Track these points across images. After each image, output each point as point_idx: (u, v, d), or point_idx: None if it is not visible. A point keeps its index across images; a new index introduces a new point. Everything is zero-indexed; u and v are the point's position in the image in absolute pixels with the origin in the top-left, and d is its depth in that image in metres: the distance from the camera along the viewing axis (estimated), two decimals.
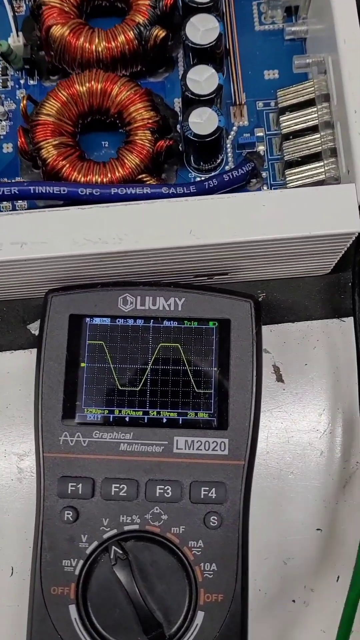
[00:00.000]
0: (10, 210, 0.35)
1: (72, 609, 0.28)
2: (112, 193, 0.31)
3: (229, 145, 0.36)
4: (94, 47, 0.34)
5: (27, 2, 0.38)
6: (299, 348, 0.35)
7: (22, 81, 0.38)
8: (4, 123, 0.37)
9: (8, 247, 0.28)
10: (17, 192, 0.31)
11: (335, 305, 0.36)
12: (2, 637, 0.33)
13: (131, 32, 0.34)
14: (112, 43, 0.34)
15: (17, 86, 0.38)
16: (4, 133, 0.37)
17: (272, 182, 0.35)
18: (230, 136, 0.36)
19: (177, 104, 0.37)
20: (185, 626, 0.28)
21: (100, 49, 0.34)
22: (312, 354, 0.35)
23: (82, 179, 0.32)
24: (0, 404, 0.35)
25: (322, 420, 0.35)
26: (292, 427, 0.35)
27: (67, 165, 0.33)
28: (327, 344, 0.35)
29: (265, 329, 0.34)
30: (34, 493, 0.30)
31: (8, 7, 0.36)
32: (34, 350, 0.35)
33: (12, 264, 0.29)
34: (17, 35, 0.36)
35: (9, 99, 0.37)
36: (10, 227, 0.29)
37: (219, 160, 0.35)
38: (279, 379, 0.35)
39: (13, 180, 0.36)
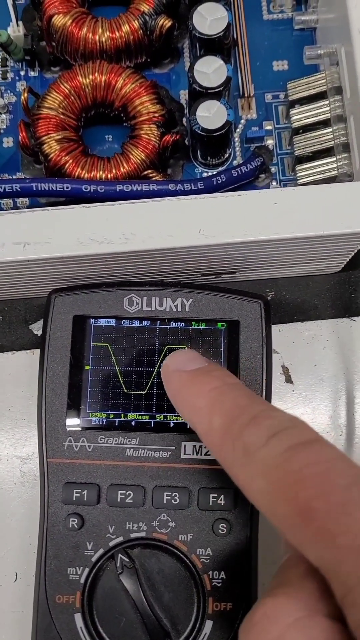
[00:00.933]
0: (11, 208, 0.34)
1: (78, 617, 0.28)
2: (118, 190, 0.30)
3: (236, 139, 0.35)
4: (97, 37, 0.33)
5: None
6: (309, 348, 0.35)
7: (22, 73, 0.36)
8: (4, 116, 0.36)
9: (10, 247, 0.27)
10: (19, 190, 0.30)
11: (345, 304, 0.35)
12: None
13: (136, 21, 0.33)
14: (116, 33, 0.33)
15: (17, 78, 0.36)
16: (4, 127, 0.36)
17: (281, 178, 0.34)
18: (238, 129, 0.35)
19: (183, 96, 0.36)
20: (194, 636, 0.27)
21: (103, 40, 0.33)
22: (321, 354, 0.35)
23: (86, 175, 0.31)
24: (2, 406, 0.34)
25: (333, 423, 0.34)
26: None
27: (71, 161, 0.32)
28: (337, 344, 0.35)
29: (273, 328, 0.33)
30: (37, 497, 0.29)
31: None
32: (36, 351, 0.34)
33: (15, 264, 0.28)
34: (17, 25, 0.35)
35: (9, 91, 0.36)
36: (13, 227, 0.28)
37: (226, 155, 0.34)
38: (288, 379, 0.34)
39: (14, 177, 0.35)
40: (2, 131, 0.36)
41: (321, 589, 0.18)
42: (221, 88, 0.31)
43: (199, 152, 0.34)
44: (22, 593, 0.33)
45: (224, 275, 0.33)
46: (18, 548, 0.33)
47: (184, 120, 0.34)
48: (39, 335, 0.35)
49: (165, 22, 0.33)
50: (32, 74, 0.36)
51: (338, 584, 0.17)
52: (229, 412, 0.22)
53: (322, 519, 0.17)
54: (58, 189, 0.30)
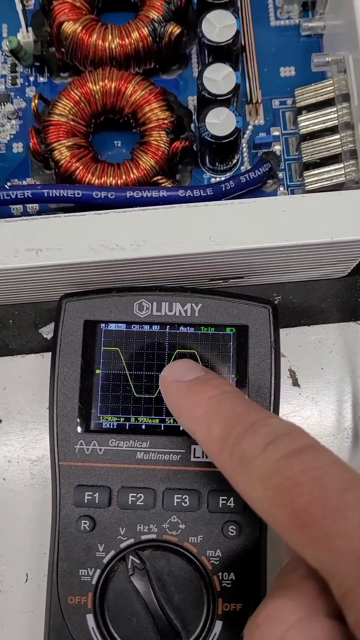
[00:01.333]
0: (21, 213, 0.35)
1: (90, 618, 0.28)
2: (128, 196, 0.30)
3: (244, 144, 0.35)
4: (107, 44, 0.33)
5: None
6: (315, 352, 0.35)
7: (31, 78, 0.37)
8: (13, 122, 0.36)
9: (23, 253, 0.28)
10: (30, 196, 0.30)
11: (352, 308, 0.35)
12: None
13: (145, 28, 0.33)
14: (126, 40, 0.33)
15: (26, 83, 0.37)
16: (14, 132, 0.36)
17: (289, 183, 0.35)
18: (245, 135, 0.35)
19: (191, 102, 0.36)
20: (204, 636, 0.28)
21: (113, 46, 0.33)
22: (328, 357, 0.35)
23: (97, 181, 0.32)
24: (13, 409, 0.35)
25: (339, 426, 0.34)
26: (308, 433, 0.34)
27: (81, 167, 0.32)
28: (343, 348, 0.35)
29: (281, 332, 0.34)
30: (47, 499, 0.29)
31: (17, 1, 0.35)
32: (46, 354, 0.35)
33: (27, 270, 0.28)
34: (27, 31, 0.35)
35: (18, 97, 0.36)
36: (26, 233, 0.28)
37: (234, 161, 0.34)
38: (295, 383, 0.35)
39: (24, 182, 0.35)
40: (12, 137, 0.36)
41: (321, 589, 0.19)
42: (230, 95, 0.32)
43: (207, 157, 0.34)
44: (33, 593, 0.33)
45: (231, 280, 0.33)
46: (28, 549, 0.33)
47: (192, 126, 0.35)
48: (48, 338, 0.35)
49: (174, 29, 0.33)
50: (41, 79, 0.37)
51: (336, 585, 0.18)
52: (226, 420, 0.23)
53: (319, 523, 0.18)
54: (69, 195, 0.30)
